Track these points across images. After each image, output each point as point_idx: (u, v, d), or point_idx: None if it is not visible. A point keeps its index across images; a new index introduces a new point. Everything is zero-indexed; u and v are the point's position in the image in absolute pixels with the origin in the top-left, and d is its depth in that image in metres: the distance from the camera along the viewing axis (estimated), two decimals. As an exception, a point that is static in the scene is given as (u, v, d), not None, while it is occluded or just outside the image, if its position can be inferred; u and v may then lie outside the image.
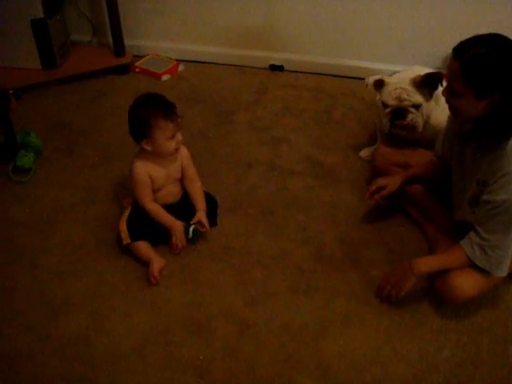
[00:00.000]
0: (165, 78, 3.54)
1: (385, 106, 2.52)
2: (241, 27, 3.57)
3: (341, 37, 3.48)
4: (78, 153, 2.93)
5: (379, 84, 2.52)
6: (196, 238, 2.34)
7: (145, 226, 2.31)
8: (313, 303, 2.18)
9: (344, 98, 3.39)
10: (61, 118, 3.19)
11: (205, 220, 2.34)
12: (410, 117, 2.44)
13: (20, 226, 2.49)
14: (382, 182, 2.35)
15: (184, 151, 2.39)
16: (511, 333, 2.08)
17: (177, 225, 2.29)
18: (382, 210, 2.55)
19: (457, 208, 2.15)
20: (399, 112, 2.47)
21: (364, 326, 2.10)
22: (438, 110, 2.45)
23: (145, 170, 2.27)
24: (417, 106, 2.43)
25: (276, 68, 3.64)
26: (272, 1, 3.43)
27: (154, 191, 2.34)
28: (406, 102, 2.43)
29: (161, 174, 2.31)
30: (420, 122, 2.46)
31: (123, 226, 2.33)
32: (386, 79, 2.50)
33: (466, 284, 2.01)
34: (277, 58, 3.63)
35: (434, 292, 2.15)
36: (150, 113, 2.18)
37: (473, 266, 2.00)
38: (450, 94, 1.89)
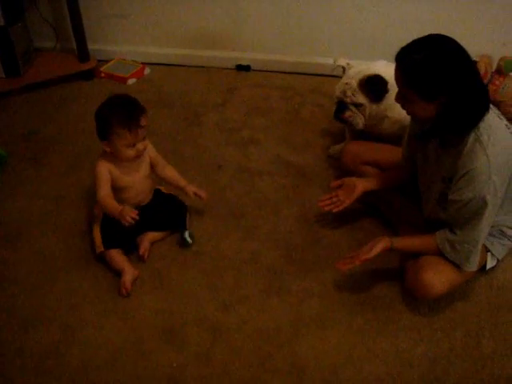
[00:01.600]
0: (131, 81, 3.52)
1: None
2: (206, 28, 3.55)
3: (307, 34, 3.47)
4: (45, 162, 2.89)
5: (343, 70, 2.57)
6: (193, 240, 2.34)
7: (118, 234, 2.27)
8: (286, 305, 2.17)
9: (312, 95, 3.39)
10: (26, 126, 3.15)
11: (196, 189, 2.40)
12: (347, 113, 2.52)
13: (-14, 238, 2.45)
14: (339, 192, 2.33)
15: (148, 144, 2.30)
16: (484, 326, 2.09)
17: (124, 207, 2.17)
18: (354, 209, 2.53)
19: (425, 207, 2.15)
20: (341, 106, 2.53)
21: (337, 325, 2.10)
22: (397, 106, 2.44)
23: (106, 167, 2.23)
24: (358, 105, 2.47)
25: (243, 68, 3.64)
26: (236, 1, 3.40)
27: (122, 191, 2.30)
28: (347, 99, 2.48)
29: (126, 173, 2.27)
30: (359, 120, 2.52)
31: (96, 234, 2.31)
32: (348, 69, 2.53)
33: (438, 280, 2.01)
34: (243, 57, 3.62)
35: (405, 289, 2.15)
36: (110, 117, 2.13)
37: (444, 260, 2.01)
38: (401, 100, 1.90)
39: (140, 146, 2.19)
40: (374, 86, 2.43)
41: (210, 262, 2.34)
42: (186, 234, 2.34)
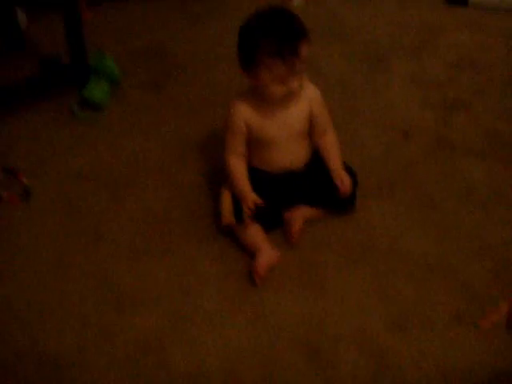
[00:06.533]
0: (297, 1, 3.53)
1: None
2: None
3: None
4: (170, 91, 2.97)
5: None
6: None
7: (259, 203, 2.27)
8: (484, 342, 2.09)
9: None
10: (148, 41, 3.26)
11: (346, 179, 2.33)
12: None
13: (84, 181, 2.56)
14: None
15: (313, 94, 2.35)
16: None
17: (249, 198, 2.23)
18: None
19: None
20: None
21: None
22: None
23: (242, 113, 2.28)
24: None
25: (457, 1, 3.56)
26: None
27: (264, 148, 2.34)
28: None
29: (271, 123, 2.29)
30: None
31: (226, 200, 2.32)
32: None
33: None
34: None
35: None
36: (258, 39, 2.13)
37: None
38: None
39: (294, 82, 2.18)
40: None
41: (384, 262, 2.32)
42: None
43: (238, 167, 2.31)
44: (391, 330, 2.12)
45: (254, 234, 2.29)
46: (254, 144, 2.33)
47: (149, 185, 2.54)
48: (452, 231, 2.44)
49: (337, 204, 2.41)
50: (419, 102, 2.97)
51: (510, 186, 2.62)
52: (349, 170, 2.43)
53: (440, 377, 2.00)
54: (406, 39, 3.35)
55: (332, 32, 3.34)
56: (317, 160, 2.43)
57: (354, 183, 2.43)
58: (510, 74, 3.14)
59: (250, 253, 2.28)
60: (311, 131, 2.39)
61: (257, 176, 2.35)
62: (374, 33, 3.38)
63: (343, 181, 2.32)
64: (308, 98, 2.33)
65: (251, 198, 2.23)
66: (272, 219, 2.36)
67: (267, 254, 2.24)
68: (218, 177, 2.50)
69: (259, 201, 2.22)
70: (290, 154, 2.37)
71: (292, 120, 2.32)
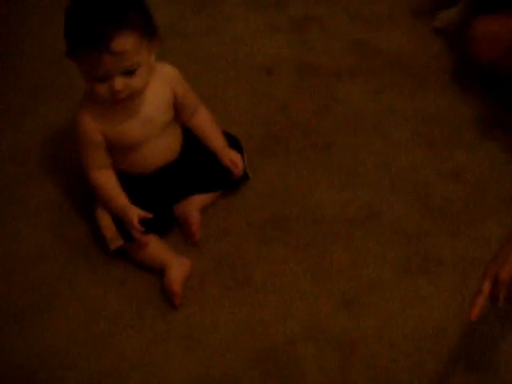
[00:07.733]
0: None
1: None
2: None
3: None
4: None
5: None
6: None
7: (145, 209, 2.03)
8: (442, 287, 2.04)
9: None
10: None
11: (235, 157, 2.18)
12: None
13: None
14: (491, 271, 1.63)
15: (171, 72, 2.10)
16: None
17: (131, 214, 2.00)
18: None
19: None
20: None
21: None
22: None
23: (93, 121, 1.99)
24: None
25: None
26: None
27: (131, 152, 2.09)
28: None
29: (127, 124, 2.02)
30: None
31: (107, 224, 2.07)
32: None
33: None
34: None
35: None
36: (71, 25, 1.83)
37: None
38: None
39: (117, 82, 1.86)
40: None
41: (301, 229, 2.18)
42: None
43: (107, 182, 2.06)
44: (342, 309, 2.04)
45: (153, 248, 2.09)
46: (118, 150, 2.08)
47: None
48: (359, 171, 2.35)
49: (229, 182, 2.25)
50: (266, 28, 2.81)
51: (394, 99, 2.54)
52: (231, 140, 2.27)
53: (409, 341, 1.96)
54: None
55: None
56: (189, 141, 2.24)
57: (238, 148, 2.28)
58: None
59: (155, 270, 2.08)
60: (179, 114, 2.17)
61: (129, 182, 2.12)
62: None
63: (233, 160, 2.17)
64: (166, 80, 2.07)
65: (133, 213, 1.99)
66: (163, 223, 2.16)
67: (177, 266, 2.05)
68: (81, 193, 2.25)
69: (144, 213, 2.00)
70: (162, 150, 2.15)
71: (153, 112, 2.06)
